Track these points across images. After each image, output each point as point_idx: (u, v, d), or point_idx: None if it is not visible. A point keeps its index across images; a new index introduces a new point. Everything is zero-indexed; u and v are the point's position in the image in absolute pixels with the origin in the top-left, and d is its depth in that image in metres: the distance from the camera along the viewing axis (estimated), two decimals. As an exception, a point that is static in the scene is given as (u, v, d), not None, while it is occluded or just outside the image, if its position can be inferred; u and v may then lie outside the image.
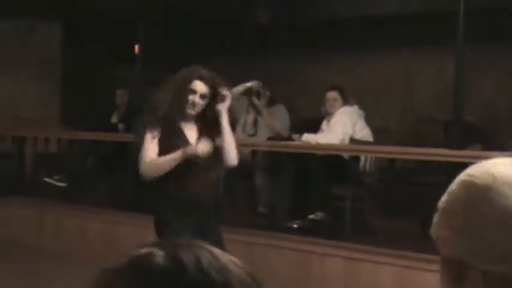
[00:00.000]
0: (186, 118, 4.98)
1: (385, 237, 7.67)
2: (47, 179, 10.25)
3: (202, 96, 4.91)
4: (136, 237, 8.47)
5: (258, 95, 8.77)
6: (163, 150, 4.90)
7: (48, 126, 11.43)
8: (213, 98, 4.94)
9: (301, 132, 8.30)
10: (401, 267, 6.90)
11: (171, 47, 11.72)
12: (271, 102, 8.96)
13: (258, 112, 8.88)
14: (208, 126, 5.00)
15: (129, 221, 8.82)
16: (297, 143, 8.31)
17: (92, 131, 10.00)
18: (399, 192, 8.96)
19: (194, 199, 4.94)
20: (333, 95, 8.34)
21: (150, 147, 4.90)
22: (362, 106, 8.45)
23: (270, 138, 8.79)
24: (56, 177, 10.23)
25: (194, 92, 4.89)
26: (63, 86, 12.39)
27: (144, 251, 1.01)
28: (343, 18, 10.63)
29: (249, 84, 8.71)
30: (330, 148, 8.11)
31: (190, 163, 4.90)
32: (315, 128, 8.47)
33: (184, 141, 4.94)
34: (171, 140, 4.91)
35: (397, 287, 6.90)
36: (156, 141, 4.90)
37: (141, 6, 9.95)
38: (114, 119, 10.45)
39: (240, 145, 8.73)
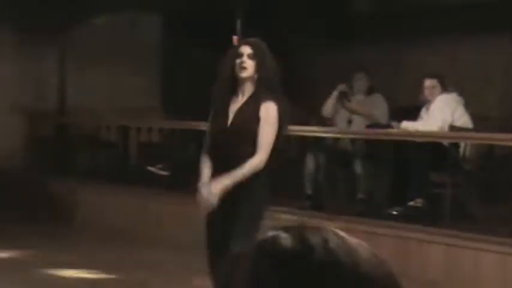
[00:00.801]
0: (241, 84, 4.82)
1: (484, 224, 7.57)
2: (150, 168, 10.50)
3: (249, 56, 4.76)
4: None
5: (346, 96, 8.97)
6: (209, 129, 4.98)
7: (150, 116, 11.71)
8: (263, 61, 4.80)
9: (400, 120, 8.29)
10: (502, 254, 6.81)
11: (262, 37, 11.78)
12: (369, 91, 9.04)
13: (350, 111, 8.98)
14: (259, 91, 4.83)
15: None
16: (396, 130, 8.31)
17: (193, 120, 10.19)
18: (499, 178, 8.82)
19: None
20: (431, 82, 8.30)
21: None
22: (461, 93, 8.36)
23: (368, 126, 8.82)
24: (159, 166, 10.47)
25: (241, 55, 4.76)
26: (164, 77, 12.67)
27: (271, 234, 1.01)
28: (441, 5, 10.51)
29: (336, 92, 8.90)
30: (430, 135, 8.10)
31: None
32: (413, 116, 8.43)
33: (222, 122, 4.82)
34: (212, 122, 4.94)
35: (498, 274, 6.82)
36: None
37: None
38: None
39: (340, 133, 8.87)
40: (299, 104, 10.23)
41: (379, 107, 8.99)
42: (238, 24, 10.07)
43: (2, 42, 11.74)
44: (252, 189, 4.73)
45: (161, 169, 10.44)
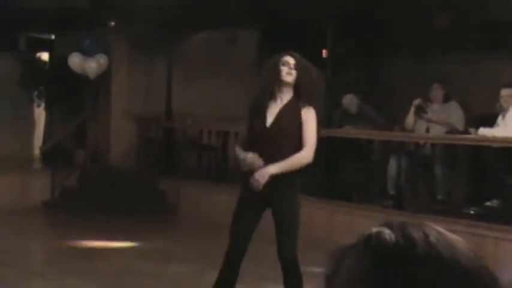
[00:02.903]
0: (280, 90, 4.92)
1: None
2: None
3: (294, 67, 4.90)
4: (349, 224, 8.95)
5: (423, 109, 9.20)
6: (248, 127, 5.03)
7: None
8: (304, 72, 4.91)
9: (477, 127, 8.46)
10: None
11: (348, 49, 11.99)
12: (445, 99, 9.28)
13: (429, 121, 9.20)
14: (297, 99, 4.91)
15: (320, 207, 9.34)
16: (473, 136, 8.44)
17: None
18: None
19: None
20: (507, 91, 8.40)
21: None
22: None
23: (448, 133, 9.03)
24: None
25: (287, 63, 4.89)
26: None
27: (374, 229, 1.01)
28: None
29: (413, 108, 9.14)
30: (506, 141, 8.11)
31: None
32: (489, 123, 8.49)
33: (262, 121, 4.88)
34: (251, 120, 4.97)
35: None
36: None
37: (330, 12, 10.28)
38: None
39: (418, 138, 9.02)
40: (382, 111, 10.55)
41: (455, 114, 9.18)
42: (329, 37, 10.37)
43: (120, 58, 12.39)
44: (290, 186, 4.84)
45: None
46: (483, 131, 8.28)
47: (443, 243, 0.98)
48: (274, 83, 4.89)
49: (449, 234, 1.00)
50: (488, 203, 8.15)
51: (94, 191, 11.45)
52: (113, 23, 12.05)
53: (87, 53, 11.76)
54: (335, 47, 10.48)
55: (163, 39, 11.93)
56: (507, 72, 10.52)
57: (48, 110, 13.85)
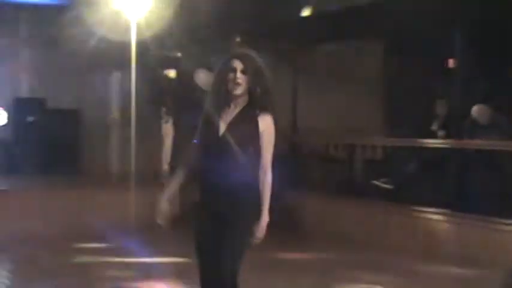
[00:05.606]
0: (232, 100, 4.40)
1: None
2: (375, 182, 10.92)
3: (243, 72, 4.34)
4: (455, 234, 8.90)
5: None
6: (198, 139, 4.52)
7: (373, 135, 12.12)
8: (256, 74, 4.35)
9: None
10: None
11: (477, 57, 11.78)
12: None
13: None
14: (254, 105, 4.39)
15: (450, 220, 9.24)
16: None
17: (414, 138, 10.53)
18: None
19: None
20: None
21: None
22: None
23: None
24: (383, 180, 10.86)
25: (234, 69, 4.34)
26: (386, 98, 13.04)
27: None
28: None
29: None
30: None
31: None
32: None
33: (214, 131, 4.38)
34: (202, 131, 4.47)
35: None
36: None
37: (456, 19, 10.17)
38: (434, 127, 10.89)
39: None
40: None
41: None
42: (456, 45, 10.24)
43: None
44: (246, 199, 4.34)
45: (385, 183, 10.83)
46: None
47: None
48: (223, 94, 4.39)
49: None
50: None
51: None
52: (238, 39, 12.34)
53: (213, 69, 12.07)
54: (463, 56, 10.33)
55: (288, 52, 12.10)
56: None
57: (175, 125, 14.28)
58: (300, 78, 12.61)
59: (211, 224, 4.34)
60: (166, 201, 4.53)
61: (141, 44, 12.03)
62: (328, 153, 11.93)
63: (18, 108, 15.13)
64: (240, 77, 4.32)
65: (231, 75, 4.33)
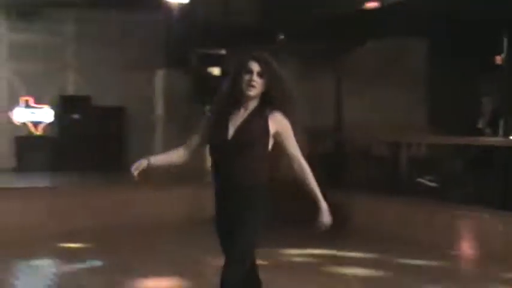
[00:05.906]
0: (245, 101, 4.37)
1: None
2: (420, 180, 10.82)
3: (259, 75, 4.32)
4: (500, 233, 8.79)
5: None
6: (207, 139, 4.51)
7: (417, 132, 12.01)
8: (272, 78, 4.33)
9: None
10: None
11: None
12: None
13: None
14: (265, 107, 4.36)
15: (496, 218, 9.13)
16: None
17: (460, 136, 10.42)
18: None
19: None
20: None
21: None
22: None
23: None
24: (428, 178, 10.76)
25: (250, 71, 4.31)
26: (430, 95, 12.92)
27: None
28: None
29: None
30: None
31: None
32: None
33: (223, 133, 4.36)
34: (211, 131, 4.45)
35: None
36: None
37: (504, 16, 10.05)
38: (480, 125, 10.78)
39: None
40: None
41: None
42: (505, 43, 10.14)
43: (289, 70, 12.63)
44: (255, 199, 4.32)
45: (430, 181, 10.73)
46: None
47: None
48: (236, 93, 4.36)
49: None
50: None
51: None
52: (282, 37, 12.34)
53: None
54: (510, 52, 10.22)
55: (332, 50, 12.06)
56: None
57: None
58: (343, 77, 12.55)
59: (225, 224, 4.40)
60: (149, 161, 4.55)
61: (183, 42, 12.10)
62: (373, 151, 11.83)
63: (64, 106, 15.35)
64: (256, 80, 4.30)
65: (247, 76, 4.31)
